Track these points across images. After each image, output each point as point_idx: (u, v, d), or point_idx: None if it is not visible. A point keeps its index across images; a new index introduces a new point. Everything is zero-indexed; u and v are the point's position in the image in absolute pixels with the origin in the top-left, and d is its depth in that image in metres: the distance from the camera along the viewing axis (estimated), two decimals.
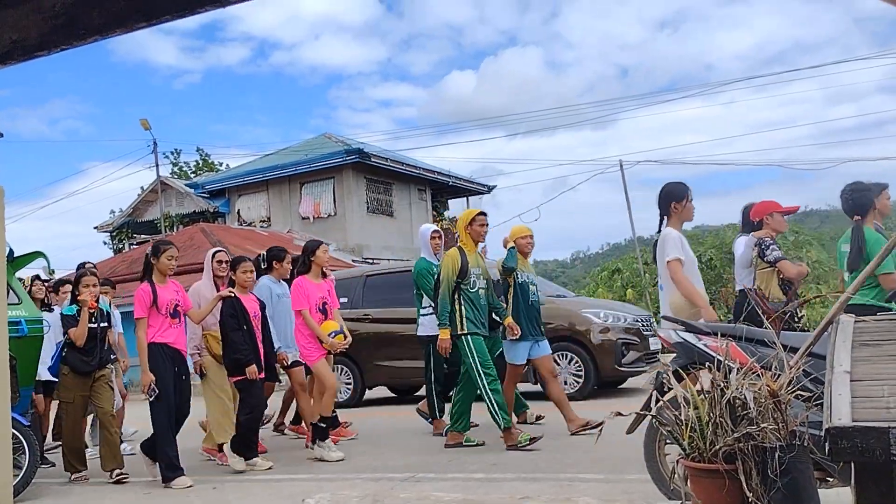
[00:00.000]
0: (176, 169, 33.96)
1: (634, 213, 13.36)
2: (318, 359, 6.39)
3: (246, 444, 6.01)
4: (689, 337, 3.88)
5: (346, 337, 6.50)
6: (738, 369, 2.42)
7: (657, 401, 2.60)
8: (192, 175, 33.18)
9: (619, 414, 2.79)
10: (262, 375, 6.09)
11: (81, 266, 7.33)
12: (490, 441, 6.25)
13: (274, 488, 5.26)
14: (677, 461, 2.41)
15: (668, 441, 3.67)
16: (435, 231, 7.19)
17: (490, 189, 28.65)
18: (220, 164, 34.48)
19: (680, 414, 2.39)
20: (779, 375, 2.31)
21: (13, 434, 5.51)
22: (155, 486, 5.67)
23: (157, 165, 23.00)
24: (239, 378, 5.97)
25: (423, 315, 7.04)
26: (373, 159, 23.11)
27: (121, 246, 27.68)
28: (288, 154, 25.30)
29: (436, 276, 6.45)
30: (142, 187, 28.90)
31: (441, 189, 27.16)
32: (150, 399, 5.62)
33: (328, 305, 6.52)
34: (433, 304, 6.50)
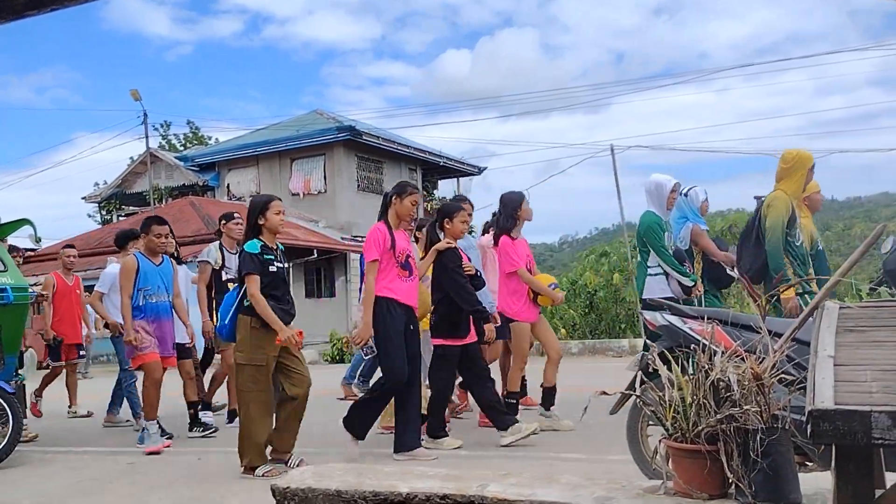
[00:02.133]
0: (165, 142, 33.73)
1: (624, 198, 13.34)
2: (536, 317, 6.07)
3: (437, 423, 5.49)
4: (675, 320, 3.91)
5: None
6: (722, 352, 2.43)
7: (641, 382, 2.62)
8: (182, 148, 32.97)
9: (604, 393, 2.81)
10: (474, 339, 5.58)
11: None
12: (474, 422, 6.29)
13: None
14: (660, 441, 2.43)
15: (650, 423, 3.71)
16: (676, 183, 6.11)
17: (481, 170, 28.64)
18: (210, 138, 34.30)
19: (664, 395, 2.40)
20: (763, 359, 2.33)
21: None
22: (138, 456, 5.68)
23: (146, 137, 22.84)
24: (455, 341, 5.44)
25: (650, 275, 5.96)
26: (364, 137, 23.04)
27: (108, 217, 27.53)
28: (279, 129, 25.18)
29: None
30: (131, 158, 28.72)
31: (432, 169, 27.13)
32: (367, 357, 5.06)
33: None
34: (663, 263, 5.82)
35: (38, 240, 6.99)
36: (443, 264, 5.48)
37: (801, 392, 2.26)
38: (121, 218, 25.87)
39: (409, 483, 2.53)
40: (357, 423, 5.13)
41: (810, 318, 2.56)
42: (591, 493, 2.34)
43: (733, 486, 2.24)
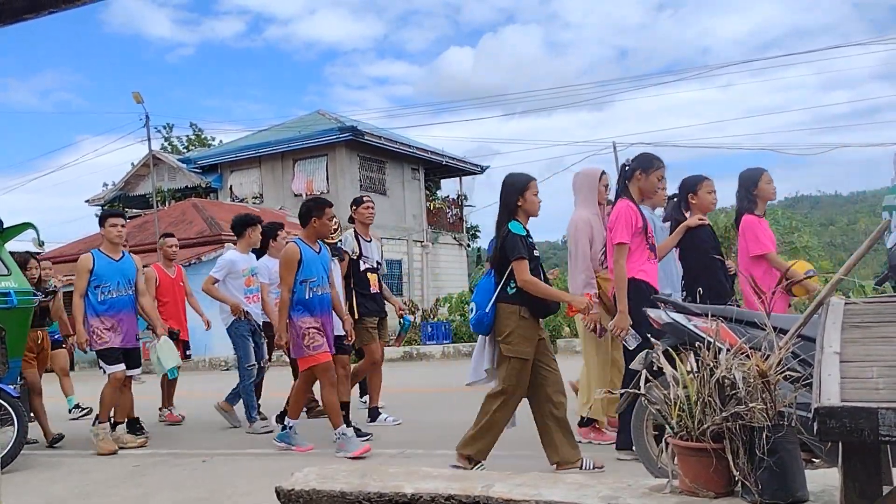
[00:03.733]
0: (167, 144, 33.76)
1: None
2: (784, 310, 5.05)
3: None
4: (679, 317, 3.90)
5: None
6: (727, 350, 2.42)
7: (646, 380, 2.61)
8: (184, 150, 33.00)
9: (609, 392, 2.81)
10: None
11: None
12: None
13: (263, 462, 5.28)
14: (665, 440, 2.42)
15: (655, 421, 3.70)
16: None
17: (483, 169, 28.59)
18: (212, 140, 34.33)
19: (669, 393, 2.39)
20: (768, 356, 2.31)
21: (1, 405, 5.51)
22: (144, 458, 5.68)
23: (149, 139, 22.79)
24: None
25: None
26: (366, 137, 23.03)
27: None
28: (281, 130, 25.18)
29: None
30: (132, 163, 28.75)
31: (435, 168, 27.10)
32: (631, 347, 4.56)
33: None
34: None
35: (41, 244, 6.97)
36: (694, 243, 5.02)
37: (806, 389, 2.24)
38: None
39: (414, 484, 2.53)
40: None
41: (815, 315, 2.55)
42: (596, 492, 2.33)
43: (739, 484, 2.23)
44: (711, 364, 2.35)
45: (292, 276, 5.37)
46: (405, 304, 18.53)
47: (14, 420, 5.50)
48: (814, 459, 3.12)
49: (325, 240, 5.89)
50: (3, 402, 5.53)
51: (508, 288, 4.45)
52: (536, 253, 4.57)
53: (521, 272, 4.37)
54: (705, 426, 2.28)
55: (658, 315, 4.01)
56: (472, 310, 4.64)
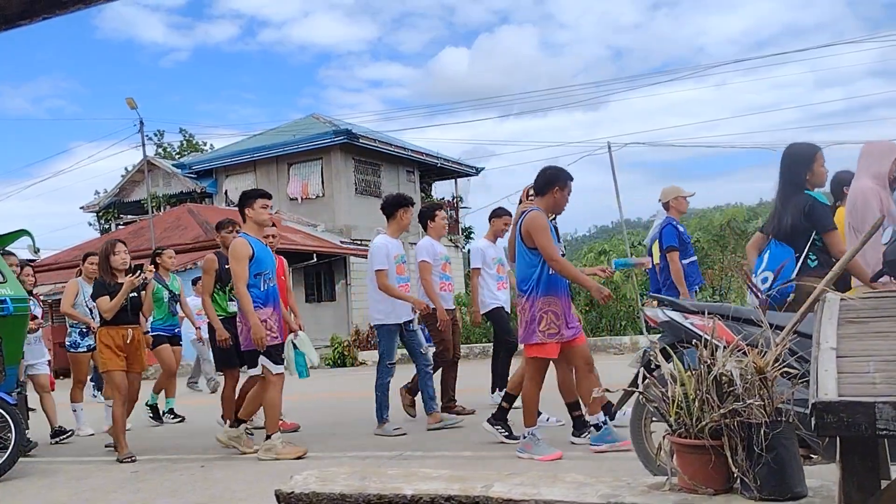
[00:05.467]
0: (160, 150, 33.71)
1: (622, 196, 13.32)
2: None
3: None
4: (676, 315, 3.90)
5: None
6: (724, 347, 2.43)
7: (644, 378, 2.61)
8: (177, 156, 32.96)
9: (607, 391, 2.81)
10: None
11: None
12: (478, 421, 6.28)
13: (262, 466, 5.27)
14: (664, 437, 2.42)
15: (653, 419, 3.70)
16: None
17: (478, 171, 28.60)
18: (205, 145, 34.28)
19: (667, 391, 2.40)
20: (765, 353, 2.32)
21: None
22: (141, 464, 5.67)
23: (143, 145, 22.77)
24: None
25: None
26: (361, 140, 23.03)
27: (107, 226, 27.52)
28: (276, 134, 25.17)
29: None
30: (126, 168, 28.71)
31: (430, 170, 27.11)
32: None
33: None
34: None
35: (36, 250, 6.99)
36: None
37: (803, 385, 2.25)
38: (119, 227, 25.88)
39: (414, 485, 2.53)
40: None
41: (811, 311, 2.55)
42: (596, 490, 2.33)
43: (738, 481, 2.24)
44: (709, 361, 2.35)
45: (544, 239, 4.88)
46: None
47: (11, 427, 5.48)
48: (811, 456, 3.13)
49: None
50: (0, 409, 5.52)
51: (809, 260, 4.26)
52: None
53: (838, 244, 4.19)
54: (703, 423, 2.29)
55: (654, 314, 4.02)
56: (764, 279, 4.31)
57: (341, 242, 22.17)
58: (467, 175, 28.66)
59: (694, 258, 6.58)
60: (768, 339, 2.46)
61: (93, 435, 7.41)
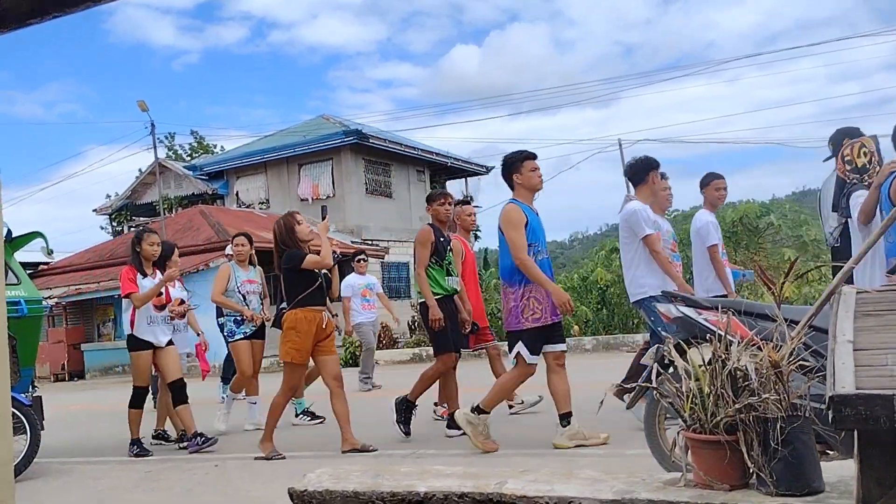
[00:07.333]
0: (171, 152, 33.88)
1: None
2: None
3: None
4: (690, 311, 3.88)
5: None
6: (738, 342, 2.41)
7: (658, 374, 2.59)
8: (188, 158, 33.10)
9: (620, 386, 2.79)
10: None
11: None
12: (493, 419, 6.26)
13: (275, 465, 5.28)
14: (678, 433, 2.40)
15: (668, 416, 3.68)
16: None
17: (488, 170, 28.60)
18: (215, 147, 34.41)
19: (681, 386, 2.38)
20: (780, 347, 2.30)
21: (14, 414, 5.53)
22: (156, 464, 5.69)
23: (154, 147, 22.90)
24: None
25: None
26: (371, 140, 23.06)
27: (119, 229, 27.67)
28: (286, 135, 25.25)
29: None
30: (140, 170, 28.85)
31: (440, 170, 27.11)
32: None
33: None
34: None
35: (49, 252, 6.99)
36: None
37: (819, 380, 2.23)
38: (131, 229, 26.03)
39: (427, 482, 2.52)
40: None
41: (826, 305, 2.53)
42: (610, 487, 2.32)
43: (754, 476, 2.21)
44: (723, 356, 2.33)
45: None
46: (412, 306, 18.54)
47: (27, 428, 5.52)
48: (828, 451, 3.10)
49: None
50: (15, 410, 5.55)
51: None
52: None
53: None
54: (718, 418, 2.26)
55: (668, 309, 4.00)
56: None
57: (352, 242, 22.22)
58: (477, 174, 28.66)
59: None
60: (783, 333, 2.44)
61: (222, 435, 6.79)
